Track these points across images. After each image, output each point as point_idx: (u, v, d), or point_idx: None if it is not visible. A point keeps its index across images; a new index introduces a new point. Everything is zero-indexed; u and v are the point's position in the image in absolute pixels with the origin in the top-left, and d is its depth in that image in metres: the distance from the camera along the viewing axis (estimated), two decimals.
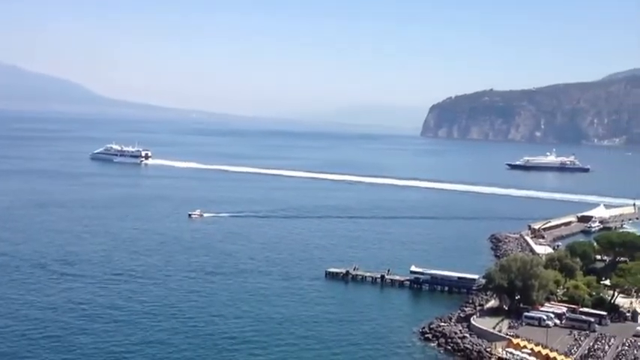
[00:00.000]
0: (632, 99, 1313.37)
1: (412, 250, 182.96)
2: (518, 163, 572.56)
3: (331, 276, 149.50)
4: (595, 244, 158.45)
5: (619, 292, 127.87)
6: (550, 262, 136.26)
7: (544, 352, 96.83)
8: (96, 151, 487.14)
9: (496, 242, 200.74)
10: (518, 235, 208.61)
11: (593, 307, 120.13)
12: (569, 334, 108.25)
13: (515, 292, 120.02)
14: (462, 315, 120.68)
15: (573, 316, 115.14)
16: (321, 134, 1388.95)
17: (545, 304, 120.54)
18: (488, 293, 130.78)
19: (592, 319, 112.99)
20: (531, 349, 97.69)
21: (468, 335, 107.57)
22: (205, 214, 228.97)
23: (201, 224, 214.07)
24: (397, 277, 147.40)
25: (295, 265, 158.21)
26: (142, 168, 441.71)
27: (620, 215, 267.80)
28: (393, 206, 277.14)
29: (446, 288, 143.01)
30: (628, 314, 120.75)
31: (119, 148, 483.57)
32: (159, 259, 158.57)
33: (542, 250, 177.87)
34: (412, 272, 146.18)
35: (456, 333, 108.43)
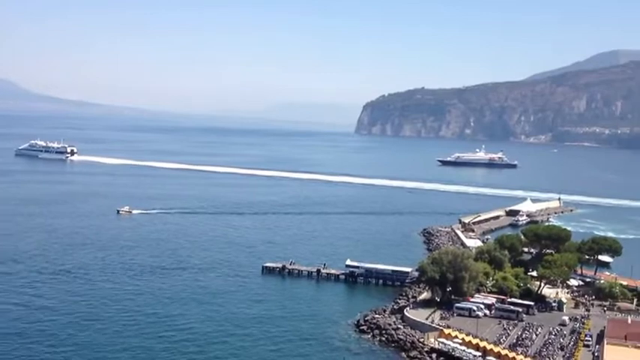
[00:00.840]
0: (556, 97, 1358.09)
1: (347, 245, 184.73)
2: (449, 159, 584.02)
3: (268, 271, 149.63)
4: (522, 237, 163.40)
5: (545, 283, 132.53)
6: (480, 254, 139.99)
7: (474, 341, 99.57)
8: (20, 147, 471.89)
9: (428, 236, 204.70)
10: (449, 229, 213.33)
11: (521, 298, 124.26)
12: (499, 324, 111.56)
13: (446, 284, 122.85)
14: (395, 307, 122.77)
15: (502, 306, 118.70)
16: (255, 131, 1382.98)
17: (476, 296, 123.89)
18: (421, 285, 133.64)
19: (520, 309, 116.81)
20: (462, 339, 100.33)
21: (401, 326, 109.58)
22: (134, 211, 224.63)
23: (131, 221, 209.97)
24: (333, 271, 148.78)
25: (231, 262, 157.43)
26: (67, 164, 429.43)
27: (546, 209, 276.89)
28: (328, 202, 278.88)
29: (380, 281, 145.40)
30: (554, 304, 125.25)
31: (44, 144, 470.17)
32: (90, 257, 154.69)
33: (473, 243, 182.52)
34: (347, 266, 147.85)
35: (390, 325, 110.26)
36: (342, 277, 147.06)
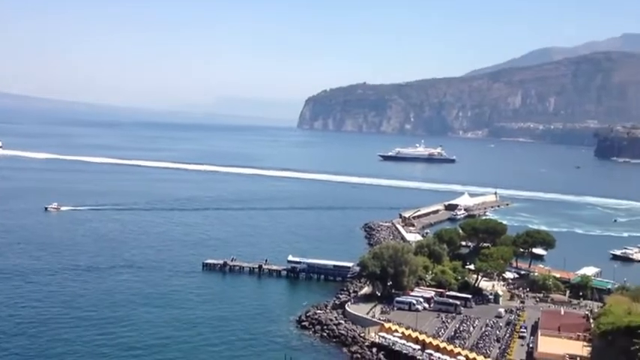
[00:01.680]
0: (493, 94, 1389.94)
1: (289, 240, 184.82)
2: (389, 154, 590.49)
3: (208, 268, 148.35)
4: (460, 230, 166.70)
5: (482, 276, 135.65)
6: (419, 248, 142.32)
7: (414, 334, 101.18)
8: None
9: (369, 231, 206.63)
10: (390, 224, 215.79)
11: (459, 291, 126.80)
12: (437, 317, 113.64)
13: (387, 279, 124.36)
14: (337, 302, 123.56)
15: (441, 299, 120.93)
16: (198, 126, 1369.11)
17: (415, 289, 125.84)
18: (362, 280, 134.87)
19: (458, 302, 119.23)
20: (402, 333, 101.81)
21: (342, 322, 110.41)
22: (63, 207, 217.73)
23: (60, 218, 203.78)
24: (274, 267, 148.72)
25: (171, 259, 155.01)
26: None
27: (483, 203, 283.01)
28: (270, 197, 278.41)
29: (322, 276, 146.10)
30: (490, 296, 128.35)
31: None
32: (18, 257, 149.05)
33: (412, 237, 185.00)
34: (289, 262, 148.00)
35: (331, 320, 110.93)
36: (284, 272, 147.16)
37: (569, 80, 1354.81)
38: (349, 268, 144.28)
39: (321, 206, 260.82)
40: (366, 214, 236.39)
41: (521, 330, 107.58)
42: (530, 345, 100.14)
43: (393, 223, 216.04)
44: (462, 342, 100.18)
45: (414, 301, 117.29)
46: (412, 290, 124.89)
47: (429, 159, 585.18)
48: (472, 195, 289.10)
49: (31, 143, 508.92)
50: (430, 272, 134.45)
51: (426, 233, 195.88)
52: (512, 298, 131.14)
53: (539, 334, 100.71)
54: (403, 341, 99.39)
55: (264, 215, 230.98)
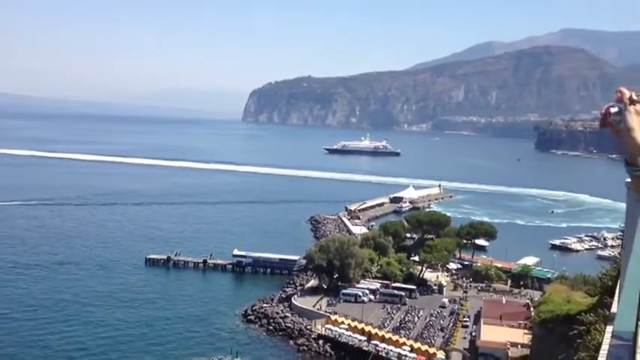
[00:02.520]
0: (437, 87, 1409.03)
1: (234, 234, 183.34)
2: (335, 147, 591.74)
3: (152, 263, 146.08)
4: (405, 223, 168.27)
5: (427, 267, 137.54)
6: (365, 241, 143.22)
7: (360, 326, 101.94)
8: None
9: (315, 224, 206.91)
10: (336, 217, 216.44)
11: (404, 282, 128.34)
12: (383, 308, 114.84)
13: (333, 271, 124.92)
14: (283, 295, 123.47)
15: (386, 291, 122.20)
16: (139, 118, 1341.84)
17: (361, 281, 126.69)
18: (308, 273, 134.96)
19: (403, 294, 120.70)
20: (348, 325, 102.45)
21: (289, 315, 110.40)
22: None
23: None
24: (220, 261, 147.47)
25: (112, 254, 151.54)
26: None
27: (428, 196, 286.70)
28: (214, 191, 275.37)
29: (268, 270, 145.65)
30: (434, 287, 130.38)
31: None
32: None
33: (358, 230, 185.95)
34: (235, 256, 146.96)
35: (277, 313, 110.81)
36: (230, 267, 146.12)
37: (511, 74, 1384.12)
38: (295, 261, 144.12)
39: (267, 200, 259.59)
40: (312, 208, 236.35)
41: (465, 319, 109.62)
42: (473, 333, 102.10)
43: (339, 216, 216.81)
44: (407, 332, 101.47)
45: (360, 293, 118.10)
46: (358, 282, 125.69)
47: (375, 152, 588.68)
48: (417, 188, 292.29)
49: None
50: (376, 264, 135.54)
51: (372, 226, 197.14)
52: (455, 288, 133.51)
53: (482, 322, 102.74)
54: (349, 333, 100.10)
55: (209, 209, 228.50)
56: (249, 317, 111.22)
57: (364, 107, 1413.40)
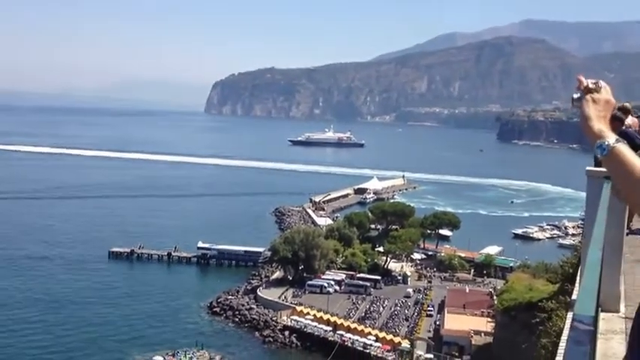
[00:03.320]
0: (400, 78, 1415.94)
1: (199, 227, 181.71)
2: (299, 139, 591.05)
3: (115, 256, 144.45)
4: (370, 214, 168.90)
5: (391, 258, 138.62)
6: (330, 232, 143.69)
7: (325, 317, 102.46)
8: None
9: (280, 216, 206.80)
10: (300, 208, 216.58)
11: (369, 273, 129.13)
12: (348, 299, 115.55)
13: (299, 263, 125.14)
14: (248, 287, 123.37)
15: (351, 282, 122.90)
16: (97, 110, 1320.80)
17: (327, 272, 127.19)
18: (273, 265, 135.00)
19: (368, 284, 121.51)
20: (314, 315, 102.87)
21: (254, 306, 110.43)
22: None
23: None
24: (184, 254, 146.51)
25: (73, 249, 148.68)
26: None
27: (392, 187, 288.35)
28: (178, 184, 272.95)
29: (233, 262, 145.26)
30: (399, 277, 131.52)
31: None
32: None
33: (323, 221, 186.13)
34: (199, 248, 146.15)
35: (243, 305, 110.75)
36: (194, 259, 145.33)
37: (473, 65, 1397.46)
38: (260, 253, 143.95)
39: (231, 192, 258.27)
40: (276, 199, 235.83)
41: (429, 308, 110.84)
42: (437, 322, 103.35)
43: (303, 208, 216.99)
44: (373, 322, 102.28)
45: (326, 284, 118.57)
46: (323, 273, 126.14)
47: (339, 144, 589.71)
48: (381, 179, 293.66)
49: None
50: (341, 255, 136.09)
51: (337, 217, 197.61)
52: (420, 278, 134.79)
53: (446, 311, 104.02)
54: (315, 324, 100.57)
55: (173, 202, 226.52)
56: (215, 309, 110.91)
57: (328, 99, 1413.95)
